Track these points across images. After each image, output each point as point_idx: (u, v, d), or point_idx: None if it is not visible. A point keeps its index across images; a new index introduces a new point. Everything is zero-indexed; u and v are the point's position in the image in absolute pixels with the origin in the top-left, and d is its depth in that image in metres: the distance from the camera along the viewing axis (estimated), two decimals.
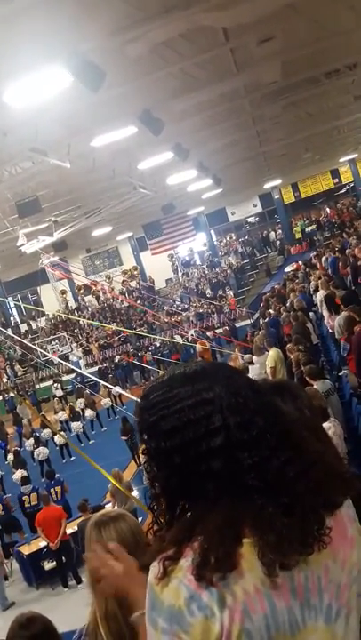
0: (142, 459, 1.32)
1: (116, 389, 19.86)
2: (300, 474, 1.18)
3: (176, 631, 1.11)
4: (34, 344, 26.71)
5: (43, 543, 10.68)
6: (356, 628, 1.22)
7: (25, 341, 26.29)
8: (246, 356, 13.88)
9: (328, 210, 36.02)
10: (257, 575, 1.12)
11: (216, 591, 1.11)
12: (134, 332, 27.64)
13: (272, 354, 11.79)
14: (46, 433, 19.06)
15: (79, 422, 19.92)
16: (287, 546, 1.12)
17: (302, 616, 1.14)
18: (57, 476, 12.78)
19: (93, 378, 19.97)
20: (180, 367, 1.33)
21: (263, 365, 12.11)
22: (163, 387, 1.28)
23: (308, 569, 1.16)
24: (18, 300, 36.45)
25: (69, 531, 10.52)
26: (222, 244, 38.04)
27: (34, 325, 35.24)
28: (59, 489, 12.32)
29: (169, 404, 1.25)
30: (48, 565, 10.72)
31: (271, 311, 18.41)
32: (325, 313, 13.52)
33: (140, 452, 1.33)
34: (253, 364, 12.65)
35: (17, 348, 29.80)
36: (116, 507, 10.59)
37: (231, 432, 1.20)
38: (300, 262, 27.31)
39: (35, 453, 17.53)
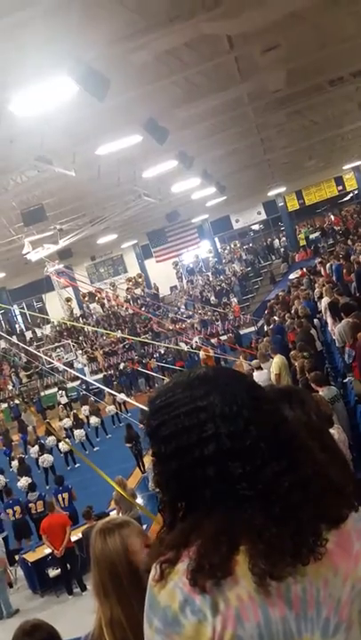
0: (151, 462, 1.35)
1: (121, 396, 19.84)
2: (296, 485, 1.18)
3: (169, 632, 1.13)
4: (39, 351, 26.73)
5: (47, 550, 10.66)
6: None
7: (30, 349, 26.31)
8: (254, 362, 13.86)
9: (332, 217, 36.04)
10: (252, 583, 1.13)
11: (209, 596, 1.12)
12: (139, 339, 27.65)
13: (277, 360, 11.79)
14: (51, 440, 19.05)
15: (82, 430, 19.90)
16: (277, 556, 1.12)
17: (298, 627, 1.14)
18: (65, 483, 12.76)
19: (98, 385, 19.97)
20: (186, 373, 1.34)
21: (269, 372, 12.10)
22: (166, 392, 1.29)
23: (307, 581, 1.15)
24: (23, 308, 36.54)
25: (74, 538, 10.50)
26: (226, 251, 38.07)
27: (39, 333, 35.30)
28: (66, 495, 12.31)
29: (169, 410, 1.25)
30: (53, 573, 10.71)
31: (276, 318, 18.42)
32: (330, 320, 13.51)
33: (151, 455, 1.34)
34: (262, 369, 12.64)
35: (22, 355, 29.84)
36: (120, 514, 10.58)
37: (222, 441, 1.19)
38: (305, 269, 27.31)
39: (39, 460, 17.53)
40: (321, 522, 1.18)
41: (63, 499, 12.25)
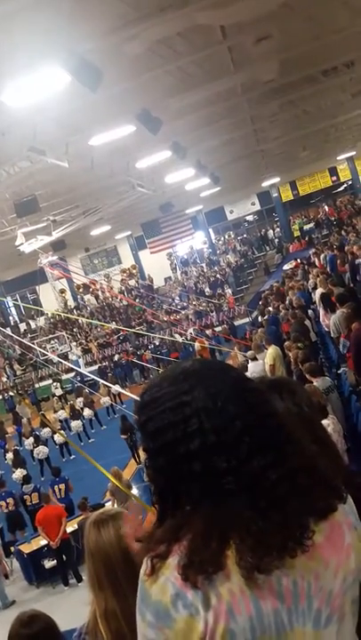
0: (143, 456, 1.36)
1: (116, 388, 19.87)
2: (283, 478, 1.18)
3: (161, 626, 1.14)
4: (33, 343, 26.70)
5: (43, 542, 10.70)
6: (352, 634, 1.23)
7: (24, 341, 26.27)
8: (249, 353, 13.87)
9: (326, 208, 36.02)
10: (240, 578, 1.14)
11: (201, 591, 1.12)
12: (133, 330, 27.65)
13: (271, 351, 11.80)
14: (46, 432, 19.07)
15: (79, 421, 19.94)
16: (264, 550, 1.13)
17: (289, 619, 1.15)
18: (62, 474, 12.79)
19: (93, 377, 20.00)
20: (174, 367, 1.34)
21: (263, 363, 12.12)
22: (153, 387, 1.30)
23: (298, 574, 1.16)
24: (17, 300, 36.46)
25: (70, 529, 10.54)
26: (220, 242, 38.04)
27: (33, 325, 35.24)
28: (62, 487, 12.33)
29: (155, 406, 1.26)
30: (48, 564, 10.74)
31: (270, 309, 18.44)
32: (322, 311, 13.52)
33: (142, 449, 1.35)
34: (257, 359, 12.65)
35: (16, 347, 29.79)
36: (115, 505, 10.62)
37: (207, 435, 1.20)
38: (299, 260, 27.33)
39: (34, 452, 17.54)
40: (309, 514, 1.18)
41: (60, 490, 12.28)
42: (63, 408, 21.87)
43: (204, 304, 30.49)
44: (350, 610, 1.22)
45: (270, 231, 36.87)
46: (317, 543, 1.18)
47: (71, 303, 36.26)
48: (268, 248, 36.40)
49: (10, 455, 17.35)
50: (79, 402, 21.66)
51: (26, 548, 11.21)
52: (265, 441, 1.21)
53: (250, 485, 1.17)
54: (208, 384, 1.25)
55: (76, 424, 19.75)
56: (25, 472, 14.27)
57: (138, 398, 1.35)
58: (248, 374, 11.81)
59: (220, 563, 1.13)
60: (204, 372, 1.29)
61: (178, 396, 1.24)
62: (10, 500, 12.61)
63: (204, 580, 1.12)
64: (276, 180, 33.73)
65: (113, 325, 29.80)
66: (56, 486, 12.34)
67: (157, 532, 1.24)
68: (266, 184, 34.10)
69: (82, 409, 21.13)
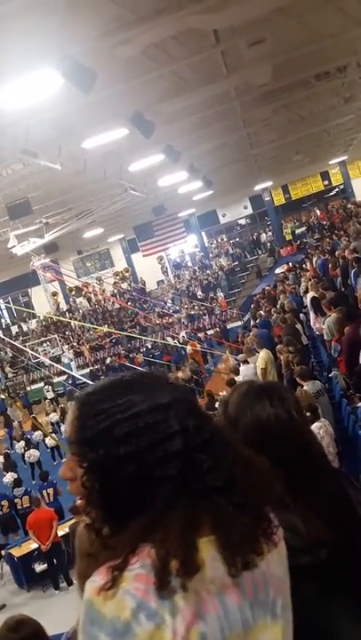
0: (79, 471, 1.21)
1: None
2: (245, 475, 1.19)
3: None
4: (25, 346, 26.62)
5: (34, 545, 10.66)
6: (291, 620, 1.20)
7: (16, 343, 26.19)
8: (240, 356, 13.88)
9: (318, 212, 36.14)
10: (207, 575, 1.09)
11: (169, 597, 1.06)
12: (126, 333, 27.61)
13: (262, 355, 11.83)
14: (37, 435, 18.99)
15: None
16: (247, 544, 1.12)
17: (252, 614, 1.11)
18: (50, 478, 12.75)
19: (85, 380, 19.96)
20: (118, 376, 1.32)
21: (255, 366, 12.14)
22: (107, 393, 1.25)
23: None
24: (9, 302, 36.32)
25: (61, 533, 10.50)
26: (213, 245, 38.09)
27: (25, 327, 35.13)
28: (51, 491, 12.28)
29: (122, 409, 1.20)
30: (39, 567, 10.70)
31: (262, 312, 18.48)
32: (312, 315, 13.56)
33: (77, 463, 1.24)
34: (248, 363, 12.66)
35: (7, 349, 29.69)
36: None
37: (189, 435, 1.19)
38: (290, 264, 27.39)
39: (25, 456, 17.46)
40: (270, 511, 1.19)
41: (48, 494, 12.23)
42: (55, 411, 21.78)
43: (196, 307, 30.50)
44: (290, 596, 1.21)
45: (263, 235, 36.95)
46: None
47: (63, 306, 36.18)
48: (260, 252, 36.46)
49: (0, 458, 17.26)
50: (70, 405, 21.58)
51: (16, 552, 11.17)
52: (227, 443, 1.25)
53: (222, 486, 1.17)
54: (175, 388, 1.29)
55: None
56: (16, 475, 14.20)
57: (76, 408, 1.31)
58: (240, 377, 11.82)
59: (198, 564, 1.09)
60: (163, 379, 1.32)
61: (153, 398, 1.23)
62: (4, 503, 12.58)
63: (179, 584, 1.06)
64: (268, 183, 33.81)
65: (105, 328, 29.75)
66: (44, 490, 12.29)
67: (112, 542, 1.16)
68: (258, 188, 34.17)
69: None
